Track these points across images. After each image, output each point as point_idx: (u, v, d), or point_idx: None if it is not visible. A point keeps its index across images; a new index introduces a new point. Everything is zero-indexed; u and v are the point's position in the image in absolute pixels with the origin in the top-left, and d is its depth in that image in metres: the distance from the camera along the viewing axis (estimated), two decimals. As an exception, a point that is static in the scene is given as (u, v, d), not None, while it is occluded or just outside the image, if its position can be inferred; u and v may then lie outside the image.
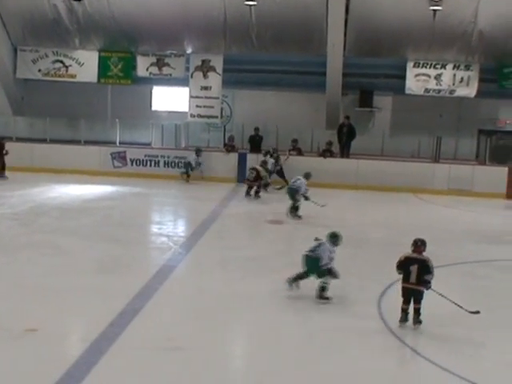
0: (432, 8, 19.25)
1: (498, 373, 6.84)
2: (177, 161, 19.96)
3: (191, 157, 19.38)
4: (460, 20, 19.64)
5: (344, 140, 20.35)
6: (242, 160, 19.72)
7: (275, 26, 20.38)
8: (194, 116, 21.81)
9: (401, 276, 8.08)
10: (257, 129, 20.76)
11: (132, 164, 20.19)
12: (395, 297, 8.98)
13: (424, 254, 8.01)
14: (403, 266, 8.04)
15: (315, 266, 8.71)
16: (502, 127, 21.51)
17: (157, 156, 20.14)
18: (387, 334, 7.73)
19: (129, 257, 10.72)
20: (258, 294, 8.96)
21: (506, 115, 21.53)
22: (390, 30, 20.06)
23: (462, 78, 20.87)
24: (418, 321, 7.96)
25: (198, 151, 19.40)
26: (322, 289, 8.73)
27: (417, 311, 7.96)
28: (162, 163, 20.09)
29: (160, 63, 21.85)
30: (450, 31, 19.91)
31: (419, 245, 8.07)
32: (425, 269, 7.88)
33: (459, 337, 7.82)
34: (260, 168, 17.27)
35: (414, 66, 20.95)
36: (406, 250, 7.76)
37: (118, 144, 20.73)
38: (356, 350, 7.21)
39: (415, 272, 7.91)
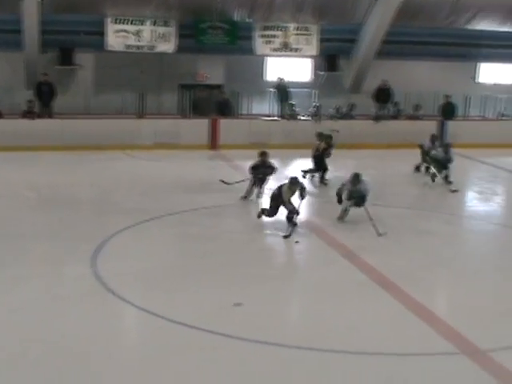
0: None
1: (216, 315, 7.24)
2: None
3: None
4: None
5: (46, 99, 19.61)
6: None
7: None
8: None
9: None
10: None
11: None
12: (110, 254, 9.14)
13: None
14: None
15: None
16: (202, 81, 22.43)
17: None
18: (104, 293, 7.81)
19: None
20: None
21: (204, 69, 22.43)
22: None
23: (161, 34, 21.29)
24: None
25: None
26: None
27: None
28: None
29: None
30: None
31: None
32: None
33: (176, 285, 8.20)
34: None
35: (113, 22, 20.82)
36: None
37: None
38: (76, 313, 7.24)
39: None
